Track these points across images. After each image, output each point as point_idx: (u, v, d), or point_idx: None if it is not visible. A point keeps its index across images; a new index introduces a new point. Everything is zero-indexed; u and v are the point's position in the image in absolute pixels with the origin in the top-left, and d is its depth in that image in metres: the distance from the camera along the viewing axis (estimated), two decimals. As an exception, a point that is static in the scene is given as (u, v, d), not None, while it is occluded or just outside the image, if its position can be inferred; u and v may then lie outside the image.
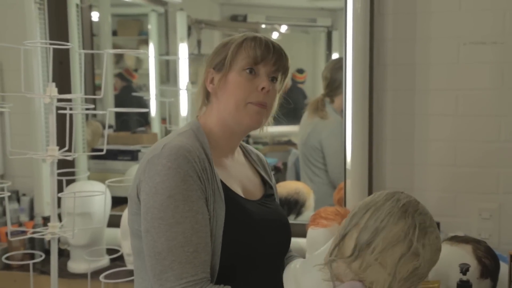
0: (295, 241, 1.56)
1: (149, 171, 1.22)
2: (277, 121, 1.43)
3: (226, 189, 1.29)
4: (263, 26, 3.75)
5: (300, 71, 3.60)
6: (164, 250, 1.17)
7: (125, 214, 2.21)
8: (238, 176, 1.38)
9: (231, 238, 1.25)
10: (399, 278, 1.11)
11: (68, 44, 1.89)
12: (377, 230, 1.12)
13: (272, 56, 1.31)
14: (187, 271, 1.16)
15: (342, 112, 2.25)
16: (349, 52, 2.17)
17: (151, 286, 1.21)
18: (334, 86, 2.60)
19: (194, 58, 3.41)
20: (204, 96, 1.37)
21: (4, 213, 2.32)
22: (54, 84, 1.80)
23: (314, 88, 3.60)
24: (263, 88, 1.29)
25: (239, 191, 1.34)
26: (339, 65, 2.43)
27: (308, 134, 2.66)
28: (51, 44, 1.81)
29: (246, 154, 1.47)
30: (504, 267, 1.74)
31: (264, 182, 1.47)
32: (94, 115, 3.10)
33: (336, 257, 1.15)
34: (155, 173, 1.20)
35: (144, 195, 1.22)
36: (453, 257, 1.65)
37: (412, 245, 1.11)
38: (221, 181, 1.29)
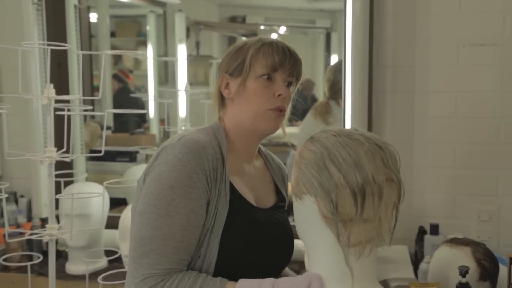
0: (294, 243, 1.56)
1: (160, 159, 1.23)
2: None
3: (235, 192, 1.29)
4: (262, 27, 3.74)
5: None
6: (147, 237, 1.19)
7: (123, 215, 2.21)
8: (252, 182, 1.38)
9: (230, 240, 1.25)
10: None
11: (66, 45, 1.88)
12: (356, 164, 1.03)
13: (289, 63, 1.31)
14: (162, 263, 1.18)
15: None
16: (349, 54, 2.17)
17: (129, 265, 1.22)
18: (337, 87, 2.58)
19: (192, 59, 3.41)
20: (220, 101, 1.37)
21: (1, 215, 2.31)
22: (52, 85, 1.79)
23: (314, 89, 3.59)
24: (280, 95, 1.30)
25: (249, 197, 1.34)
26: (341, 67, 2.41)
27: None
28: (48, 45, 1.80)
29: (267, 162, 1.47)
30: (503, 270, 1.73)
31: (278, 193, 1.46)
32: (92, 116, 3.09)
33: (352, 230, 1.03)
34: (164, 161, 1.22)
35: (148, 180, 1.23)
36: (452, 260, 1.65)
37: None
38: (231, 184, 1.29)
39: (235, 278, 1.23)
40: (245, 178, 1.36)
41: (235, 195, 1.29)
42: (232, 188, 1.29)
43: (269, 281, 1.15)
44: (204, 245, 1.24)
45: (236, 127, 1.34)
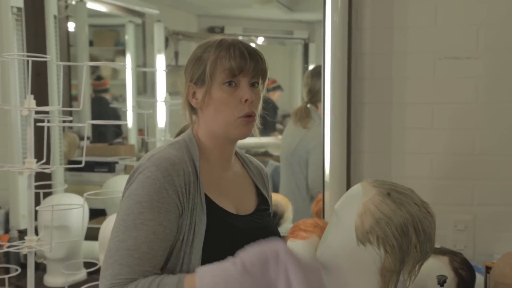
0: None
1: (132, 179, 1.25)
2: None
3: (211, 203, 1.29)
4: (240, 37, 3.76)
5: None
6: (113, 249, 1.19)
7: (103, 227, 2.19)
8: (231, 189, 1.38)
9: (212, 253, 1.25)
10: None
11: (47, 56, 1.87)
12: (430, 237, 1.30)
13: (250, 65, 1.29)
14: (123, 273, 1.17)
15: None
16: (328, 65, 2.20)
17: None
18: (314, 91, 2.60)
19: (171, 70, 3.41)
20: (190, 110, 1.36)
21: (-22, 227, 2.28)
22: (32, 96, 1.78)
23: (291, 100, 3.62)
24: (246, 100, 1.30)
25: (229, 205, 1.34)
26: (317, 70, 2.43)
27: (297, 143, 2.63)
28: (29, 56, 1.79)
29: (244, 164, 1.47)
30: (479, 278, 1.77)
31: (259, 195, 1.46)
32: (70, 127, 3.07)
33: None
34: (135, 181, 1.23)
35: (121, 199, 1.25)
36: (430, 269, 1.67)
37: None
38: (207, 196, 1.29)
39: None
40: (222, 186, 1.36)
41: (212, 207, 1.29)
42: (209, 200, 1.29)
43: (229, 260, 1.14)
44: (185, 262, 1.24)
45: (209, 134, 1.34)
